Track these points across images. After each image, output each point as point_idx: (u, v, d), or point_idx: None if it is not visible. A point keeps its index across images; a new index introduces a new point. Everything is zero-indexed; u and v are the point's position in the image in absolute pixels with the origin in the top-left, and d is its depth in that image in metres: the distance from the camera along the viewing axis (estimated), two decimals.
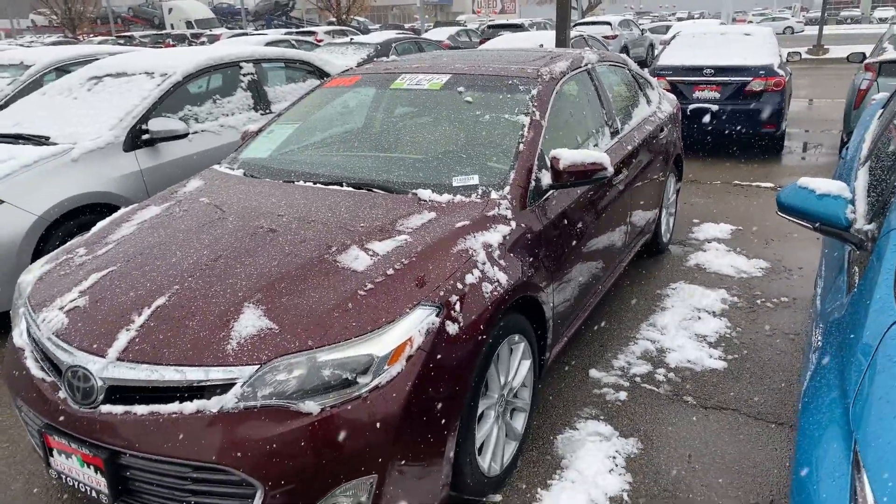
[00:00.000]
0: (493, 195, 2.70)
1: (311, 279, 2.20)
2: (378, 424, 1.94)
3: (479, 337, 2.21)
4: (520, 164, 2.84)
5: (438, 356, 2.07)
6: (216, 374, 1.93)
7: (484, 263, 2.36)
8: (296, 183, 2.97)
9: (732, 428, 2.95)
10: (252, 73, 5.45)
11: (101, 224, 2.89)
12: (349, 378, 1.93)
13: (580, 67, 3.72)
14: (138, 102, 4.63)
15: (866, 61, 7.72)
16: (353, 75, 3.77)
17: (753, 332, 3.81)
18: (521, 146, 2.91)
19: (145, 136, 4.53)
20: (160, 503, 2.03)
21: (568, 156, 2.82)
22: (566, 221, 2.99)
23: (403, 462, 2.01)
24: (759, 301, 4.22)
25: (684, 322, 3.93)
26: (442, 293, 2.17)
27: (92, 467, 2.07)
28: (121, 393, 2.02)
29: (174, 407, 1.94)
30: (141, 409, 1.97)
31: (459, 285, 2.23)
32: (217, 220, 2.65)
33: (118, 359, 2.01)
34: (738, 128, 8.05)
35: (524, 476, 2.68)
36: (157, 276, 2.29)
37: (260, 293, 2.14)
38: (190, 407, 1.93)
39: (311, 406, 1.90)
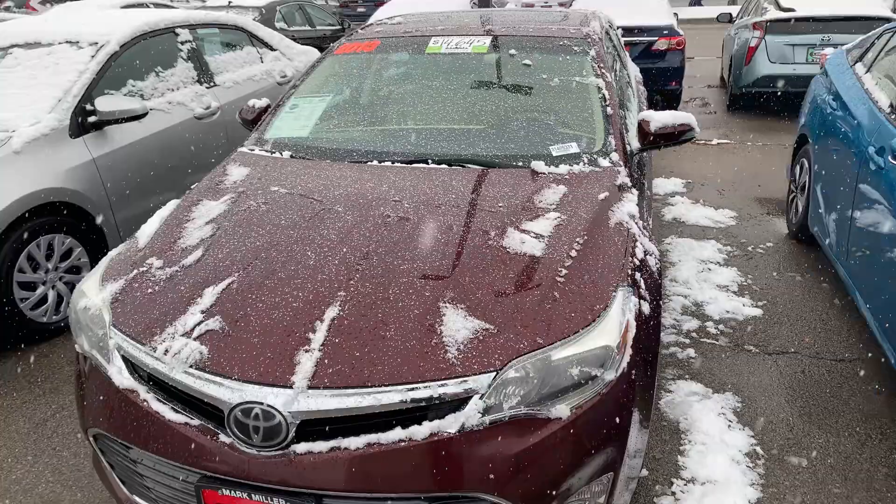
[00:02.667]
0: (604, 162, 2.57)
1: (494, 270, 1.96)
2: (617, 419, 1.79)
3: (658, 311, 2.12)
4: (614, 128, 2.74)
5: (643, 337, 1.95)
6: (447, 388, 1.66)
7: (639, 236, 2.25)
8: (370, 164, 2.64)
9: (804, 369, 3.13)
10: (190, 41, 4.78)
11: (150, 229, 2.38)
12: (594, 374, 1.75)
13: (604, 27, 3.65)
14: (75, 78, 3.88)
15: (754, 20, 8.40)
16: (367, 40, 3.41)
17: (764, 278, 4.05)
18: (609, 109, 2.81)
19: (92, 119, 3.81)
20: None
21: (658, 118, 2.76)
22: (644, 184, 2.95)
23: (629, 453, 1.89)
24: (749, 248, 4.49)
25: (700, 275, 4.08)
26: (629, 271, 2.04)
27: None
28: (314, 426, 1.69)
29: (398, 434, 1.65)
30: (354, 443, 1.66)
31: (636, 261, 2.11)
32: (322, 212, 2.28)
33: (310, 387, 1.67)
34: (647, 86, 8.46)
35: (652, 445, 2.65)
36: (305, 284, 1.93)
37: (449, 290, 1.88)
38: (422, 431, 1.65)
39: (562, 410, 1.71)
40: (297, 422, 1.67)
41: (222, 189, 2.57)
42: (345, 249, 2.07)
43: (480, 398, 1.67)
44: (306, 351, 1.73)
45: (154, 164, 4.19)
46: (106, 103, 3.83)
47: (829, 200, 3.76)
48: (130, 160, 4.01)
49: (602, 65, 3.02)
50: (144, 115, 3.95)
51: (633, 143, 2.81)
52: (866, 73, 3.87)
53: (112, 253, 2.33)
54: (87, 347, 2.04)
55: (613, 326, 1.83)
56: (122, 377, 1.90)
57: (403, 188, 2.41)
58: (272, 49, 5.73)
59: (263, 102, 3.33)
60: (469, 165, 2.57)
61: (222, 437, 1.73)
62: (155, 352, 1.84)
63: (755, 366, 3.17)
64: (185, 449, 1.76)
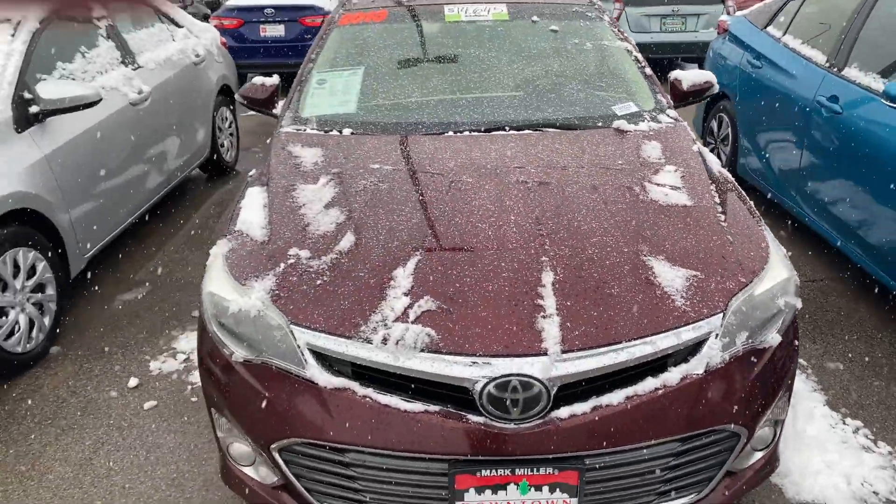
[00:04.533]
0: (666, 118, 2.75)
1: (665, 221, 2.06)
2: (795, 341, 2.00)
3: None
4: (658, 87, 2.92)
5: None
6: (689, 333, 1.74)
7: (733, 180, 2.46)
8: (446, 135, 2.58)
9: None
10: (105, 16, 4.18)
11: (256, 220, 2.12)
12: (792, 302, 1.93)
13: None
14: (2, 61, 3.25)
15: None
16: (369, 10, 3.27)
17: None
18: (647, 70, 2.99)
19: (34, 109, 3.23)
20: (625, 495, 1.79)
21: (689, 76, 3.00)
22: None
23: None
24: None
25: None
26: (754, 211, 2.24)
27: (545, 488, 1.70)
28: (566, 390, 1.69)
29: (654, 383, 1.71)
30: (613, 399, 1.69)
31: (749, 201, 2.32)
32: (455, 184, 2.21)
33: (563, 352, 1.66)
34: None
35: None
36: (501, 254, 1.88)
37: (640, 244, 1.94)
38: (674, 377, 1.72)
39: (775, 337, 1.87)
40: (555, 388, 1.66)
41: (308, 172, 2.36)
42: (512, 217, 2.04)
43: (716, 338, 1.78)
44: (544, 317, 1.71)
45: (103, 158, 3.66)
46: (50, 90, 3.26)
47: (770, 146, 4.31)
48: (80, 156, 3.47)
49: (619, 28, 3.19)
50: (98, 101, 3.41)
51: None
52: (784, 35, 4.46)
53: (220, 251, 2.06)
54: (250, 355, 1.82)
55: (781, 259, 2.02)
56: (326, 377, 1.73)
57: (513, 155, 2.40)
58: (179, 25, 5.18)
59: (274, 80, 3.07)
60: (546, 129, 2.61)
61: (472, 417, 1.66)
62: (371, 342, 1.70)
63: None
64: (429, 437, 1.67)
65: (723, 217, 2.11)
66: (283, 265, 1.93)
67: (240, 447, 1.96)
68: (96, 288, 3.75)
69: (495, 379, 1.64)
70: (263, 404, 1.79)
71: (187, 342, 3.21)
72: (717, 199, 2.20)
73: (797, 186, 3.95)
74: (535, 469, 1.68)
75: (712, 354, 1.76)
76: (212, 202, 5.09)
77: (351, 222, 2.07)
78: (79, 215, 3.42)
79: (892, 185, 3.08)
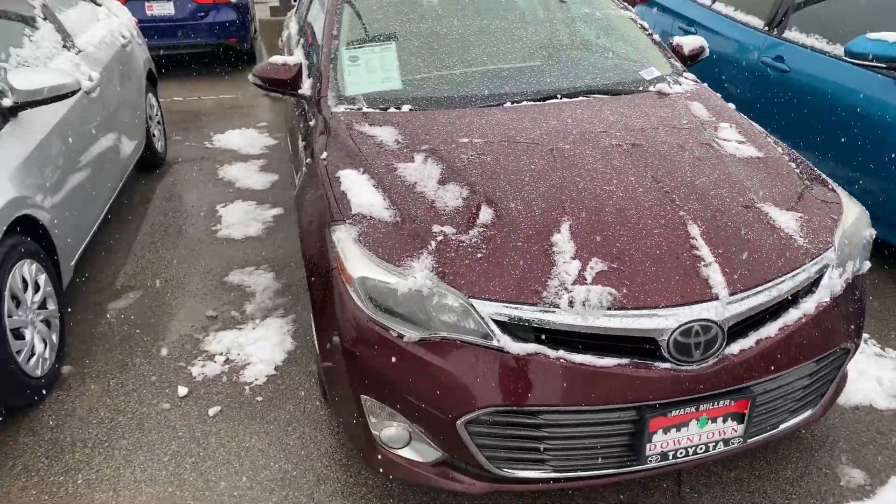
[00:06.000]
0: (687, 81, 2.97)
1: (753, 172, 2.27)
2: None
3: None
4: (667, 51, 3.14)
5: None
6: (815, 267, 1.98)
7: None
8: (506, 105, 2.63)
9: None
10: None
11: (375, 202, 2.06)
12: (875, 233, 2.22)
13: None
14: None
15: None
16: None
17: None
18: (655, 37, 3.19)
19: (6, 102, 2.83)
20: (772, 416, 2.00)
21: (689, 41, 3.26)
22: None
23: None
24: None
25: None
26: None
27: (719, 419, 1.87)
28: (732, 328, 1.86)
29: (796, 314, 1.93)
30: (771, 331, 1.89)
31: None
32: (558, 150, 2.29)
33: (731, 294, 1.83)
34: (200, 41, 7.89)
35: None
36: (641, 211, 2.00)
37: (747, 194, 2.14)
38: (809, 306, 1.95)
39: (867, 263, 2.17)
40: (726, 327, 1.82)
41: (396, 151, 2.32)
42: (632, 178, 2.15)
43: (833, 268, 2.03)
44: (706, 265, 1.87)
45: (73, 153, 3.29)
46: (26, 80, 2.87)
47: None
48: (57, 152, 3.09)
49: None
50: (78, 90, 3.05)
51: None
52: (713, 2, 4.89)
53: (347, 235, 1.98)
54: (425, 334, 1.81)
55: (849, 196, 2.31)
56: (518, 344, 1.77)
57: (588, 120, 2.50)
58: (98, 3, 4.67)
59: (296, 58, 2.92)
60: (597, 95, 2.74)
61: (659, 364, 1.79)
62: (558, 307, 1.76)
63: None
64: (623, 388, 1.77)
65: (794, 164, 2.37)
66: (433, 242, 1.91)
67: (391, 430, 1.95)
68: (80, 299, 3.39)
69: (680, 326, 1.77)
70: (449, 380, 1.79)
71: (218, 343, 3.02)
72: (781, 150, 2.46)
73: None
74: (715, 403, 1.84)
75: (834, 284, 2.01)
76: (159, 197, 4.70)
77: (478, 195, 2.08)
78: (63, 218, 3.06)
79: (839, 129, 3.56)
